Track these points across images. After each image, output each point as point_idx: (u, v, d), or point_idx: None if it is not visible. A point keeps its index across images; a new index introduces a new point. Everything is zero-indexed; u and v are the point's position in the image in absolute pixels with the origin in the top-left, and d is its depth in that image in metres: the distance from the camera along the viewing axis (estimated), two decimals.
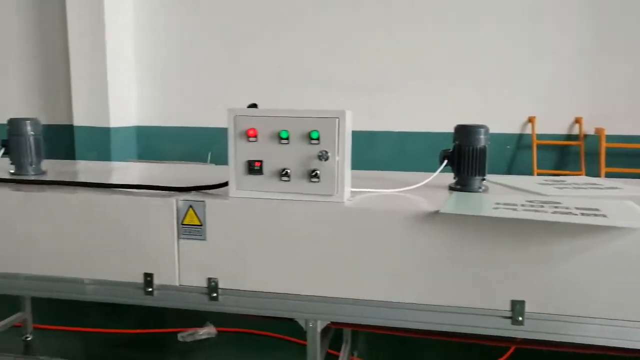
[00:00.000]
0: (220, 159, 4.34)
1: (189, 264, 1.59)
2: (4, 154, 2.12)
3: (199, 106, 4.70)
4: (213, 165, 2.76)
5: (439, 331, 1.49)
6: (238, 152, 1.54)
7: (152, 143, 4.82)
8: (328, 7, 4.30)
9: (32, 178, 1.98)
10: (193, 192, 1.63)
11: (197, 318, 3.19)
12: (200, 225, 1.56)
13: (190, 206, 1.56)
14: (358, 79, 4.31)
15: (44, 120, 4.91)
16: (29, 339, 2.91)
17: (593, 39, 4.14)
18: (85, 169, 2.50)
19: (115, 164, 3.01)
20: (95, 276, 1.67)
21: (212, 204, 1.55)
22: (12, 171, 2.07)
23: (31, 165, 2.10)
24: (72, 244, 1.66)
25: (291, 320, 1.59)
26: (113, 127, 4.49)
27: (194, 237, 1.57)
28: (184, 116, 4.75)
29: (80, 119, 4.53)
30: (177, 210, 1.57)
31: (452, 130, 1.71)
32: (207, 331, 3.01)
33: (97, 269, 1.66)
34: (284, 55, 4.45)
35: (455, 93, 4.22)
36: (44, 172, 2.13)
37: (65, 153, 4.48)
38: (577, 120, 4.28)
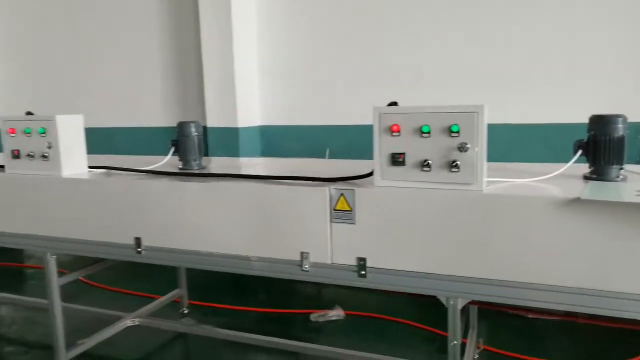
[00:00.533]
0: (338, 155, 4.59)
1: (340, 245, 1.82)
2: (174, 152, 2.53)
3: (316, 106, 4.99)
4: (338, 160, 2.99)
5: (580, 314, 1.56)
6: (382, 145, 1.73)
7: (274, 141, 5.21)
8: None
9: (197, 171, 2.35)
10: (342, 182, 1.85)
11: (327, 301, 3.47)
12: (350, 210, 1.78)
13: (342, 194, 1.78)
14: (485, 75, 4.28)
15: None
16: (185, 312, 3.38)
17: None
18: (236, 164, 2.86)
19: (259, 160, 3.36)
20: (260, 254, 1.96)
21: (360, 192, 1.76)
22: (180, 167, 2.46)
23: (195, 161, 2.48)
24: (239, 226, 1.97)
25: (433, 297, 1.75)
26: (240, 127, 4.93)
27: (344, 221, 1.79)
28: (303, 115, 5.07)
29: (212, 121, 5.03)
30: (330, 197, 1.80)
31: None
32: (336, 313, 3.27)
33: (260, 247, 1.95)
34: (395, 55, 4.57)
35: (582, 85, 4.06)
36: (204, 167, 2.50)
37: None
38: None
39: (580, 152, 1.77)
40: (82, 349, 2.63)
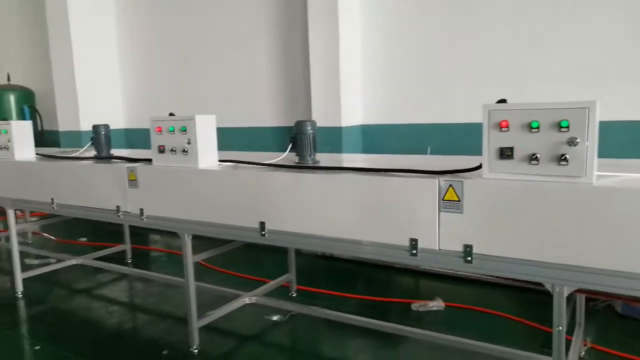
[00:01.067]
0: (437, 152, 4.67)
1: (448, 232, 1.96)
2: (291, 149, 2.81)
3: (417, 105, 5.10)
4: (441, 156, 3.09)
5: None
6: (491, 140, 1.85)
7: (375, 139, 5.40)
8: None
9: (315, 165, 2.60)
10: (450, 175, 1.99)
11: (425, 293, 3.60)
12: (459, 200, 1.91)
13: (451, 185, 1.93)
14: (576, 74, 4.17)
15: (287, 123, 5.84)
16: (293, 295, 3.67)
17: None
18: (345, 159, 3.09)
19: (365, 156, 3.56)
20: (371, 239, 2.16)
21: (469, 184, 1.89)
22: (296, 161, 2.73)
23: (310, 156, 2.74)
24: (352, 213, 2.18)
25: (536, 292, 1.83)
26: (344, 126, 5.18)
27: (452, 210, 1.93)
28: (402, 114, 5.21)
29: (318, 121, 5.34)
30: (439, 188, 1.95)
31: None
32: (436, 304, 3.38)
33: (372, 233, 2.15)
34: (498, 55, 4.55)
35: None
36: (317, 162, 2.75)
37: None
38: None
39: None
40: (209, 320, 3.00)
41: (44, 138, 7.75)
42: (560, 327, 1.80)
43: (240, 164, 2.75)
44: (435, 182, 1.96)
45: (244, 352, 2.97)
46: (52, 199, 3.40)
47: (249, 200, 2.50)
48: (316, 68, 5.23)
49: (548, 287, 1.81)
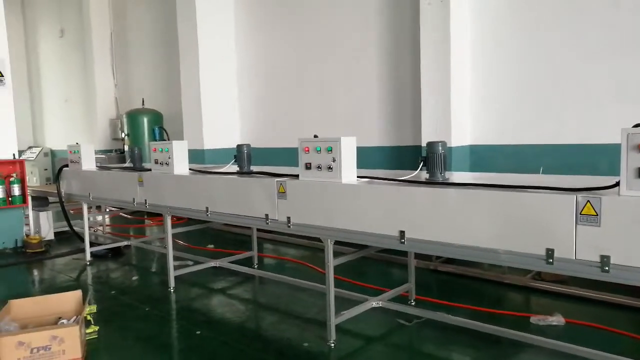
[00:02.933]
0: (548, 172, 4.73)
1: (584, 244, 2.16)
2: (422, 166, 3.13)
3: (527, 124, 5.21)
4: (564, 175, 3.22)
5: None
6: (629, 160, 2.05)
7: (483, 159, 5.56)
8: None
9: (450, 181, 2.89)
10: (586, 191, 2.20)
11: (546, 307, 3.71)
12: (596, 215, 2.12)
13: (588, 201, 2.14)
14: None
15: (396, 142, 6.15)
16: (412, 303, 3.94)
17: None
18: (471, 177, 3.35)
19: (487, 174, 3.76)
20: (508, 248, 2.40)
21: (606, 200, 2.09)
22: (426, 178, 3.03)
23: (441, 173, 3.04)
24: (488, 225, 2.44)
25: None
26: (454, 147, 5.41)
27: (589, 223, 2.14)
28: (511, 135, 5.33)
29: (427, 139, 5.63)
30: (577, 203, 2.17)
31: None
32: (556, 319, 3.49)
33: (509, 242, 2.39)
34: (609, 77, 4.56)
35: None
36: (447, 179, 3.04)
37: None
38: None
39: None
40: (344, 318, 3.36)
41: None
42: None
43: (376, 180, 3.12)
44: (573, 198, 2.18)
45: (374, 350, 3.29)
46: (207, 207, 3.98)
47: (389, 212, 2.85)
48: (427, 92, 5.51)
49: None
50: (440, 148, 3.07)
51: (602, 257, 2.12)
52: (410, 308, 3.73)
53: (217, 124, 8.04)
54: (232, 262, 5.08)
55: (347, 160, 3.14)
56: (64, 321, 3.25)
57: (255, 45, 7.86)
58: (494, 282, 4.46)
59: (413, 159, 5.63)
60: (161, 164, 4.46)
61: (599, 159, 4.54)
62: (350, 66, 6.59)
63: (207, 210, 3.99)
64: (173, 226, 4.60)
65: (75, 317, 3.32)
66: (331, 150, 3.13)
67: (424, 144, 5.64)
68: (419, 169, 3.10)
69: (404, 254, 4.14)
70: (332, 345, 3.25)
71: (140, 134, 9.08)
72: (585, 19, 4.67)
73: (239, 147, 4.19)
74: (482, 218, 2.48)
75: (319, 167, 3.21)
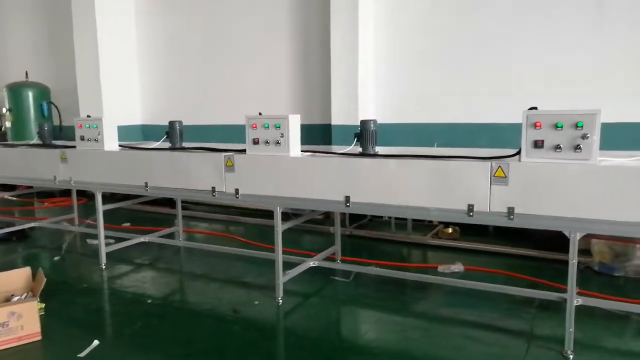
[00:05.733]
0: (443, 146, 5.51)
1: (496, 199, 2.82)
2: (356, 142, 3.62)
3: (421, 105, 5.97)
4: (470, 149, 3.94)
5: None
6: (528, 135, 2.72)
7: (384, 135, 6.26)
8: None
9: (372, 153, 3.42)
10: (500, 159, 2.85)
11: (447, 259, 4.49)
12: (505, 177, 2.78)
13: (499, 166, 2.79)
14: None
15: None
16: (339, 263, 4.47)
17: None
18: (398, 151, 3.92)
19: (413, 148, 4.36)
20: (437, 205, 3.00)
21: (511, 165, 2.76)
22: (359, 151, 3.54)
23: (372, 148, 3.56)
24: (421, 188, 3.02)
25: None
26: None
27: (500, 183, 2.80)
28: (411, 114, 6.08)
29: (336, 119, 6.17)
30: (491, 168, 2.81)
31: None
32: (457, 267, 4.27)
33: (438, 201, 2.99)
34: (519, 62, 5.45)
35: None
36: (377, 152, 3.57)
37: None
38: None
39: None
40: (289, 277, 3.77)
41: (62, 133, 8.19)
42: (573, 260, 2.70)
43: (318, 153, 3.55)
44: (488, 164, 2.82)
45: (314, 302, 3.77)
46: (146, 182, 4.09)
47: (336, 180, 3.30)
48: (337, 72, 6.01)
49: (566, 233, 2.70)
50: (372, 126, 3.58)
51: (509, 208, 2.80)
52: (343, 265, 4.27)
53: (118, 100, 7.78)
54: (160, 237, 5.18)
55: (294, 136, 3.51)
56: (17, 298, 3.22)
57: (154, 22, 7.70)
58: (400, 242, 5.18)
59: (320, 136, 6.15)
60: (89, 140, 4.41)
61: (479, 136, 5.44)
62: (259, 46, 6.82)
63: (146, 186, 4.10)
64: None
65: (26, 293, 3.30)
66: (280, 127, 3.48)
67: (334, 122, 6.19)
68: (354, 144, 3.59)
69: (325, 222, 4.63)
70: (280, 301, 3.66)
71: (24, 109, 8.40)
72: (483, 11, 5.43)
73: (172, 123, 4.31)
74: (416, 182, 3.05)
75: (266, 142, 3.54)
